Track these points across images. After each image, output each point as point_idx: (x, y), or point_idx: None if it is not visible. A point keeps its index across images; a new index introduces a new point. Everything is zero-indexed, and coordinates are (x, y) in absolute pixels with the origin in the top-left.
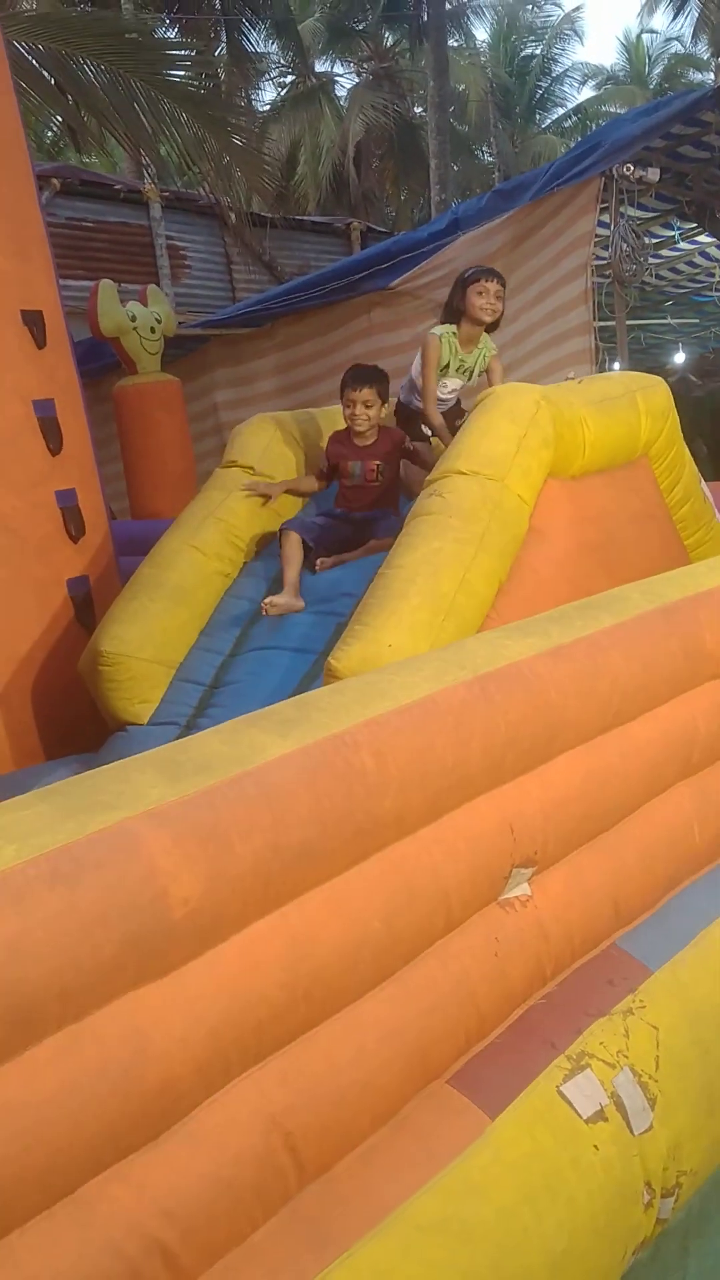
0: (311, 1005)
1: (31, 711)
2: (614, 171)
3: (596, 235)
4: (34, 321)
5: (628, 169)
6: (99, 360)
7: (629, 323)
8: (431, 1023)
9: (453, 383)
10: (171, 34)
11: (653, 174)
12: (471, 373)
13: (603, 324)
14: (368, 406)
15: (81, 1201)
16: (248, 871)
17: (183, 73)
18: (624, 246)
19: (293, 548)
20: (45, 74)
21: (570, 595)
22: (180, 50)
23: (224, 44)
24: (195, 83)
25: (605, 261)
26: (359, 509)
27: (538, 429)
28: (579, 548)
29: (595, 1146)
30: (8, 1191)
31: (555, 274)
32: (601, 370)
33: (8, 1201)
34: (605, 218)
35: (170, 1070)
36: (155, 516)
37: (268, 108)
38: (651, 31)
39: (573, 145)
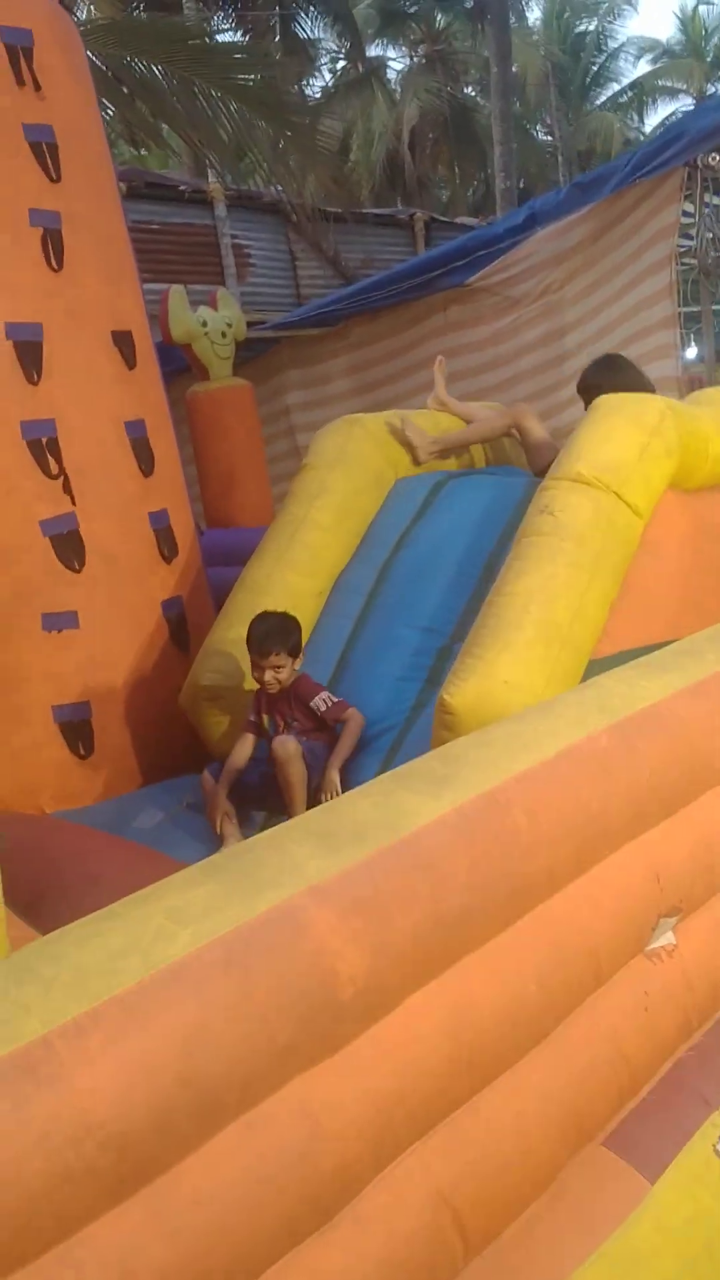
0: (473, 1074)
1: (130, 735)
2: (698, 161)
3: (680, 224)
4: (124, 342)
5: (712, 158)
6: (169, 365)
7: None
8: (586, 1084)
9: None
10: (227, 26)
11: None
12: None
13: (685, 308)
14: (278, 670)
15: None
16: (409, 944)
17: (253, 77)
18: (709, 236)
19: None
20: (107, 71)
21: (682, 613)
22: (247, 54)
23: (278, 36)
24: (270, 89)
25: (687, 249)
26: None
27: (662, 438)
28: (694, 563)
29: None
30: None
31: (638, 267)
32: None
33: None
34: (690, 206)
35: (344, 1151)
36: (229, 521)
37: (319, 94)
38: (708, 3)
39: (630, 121)
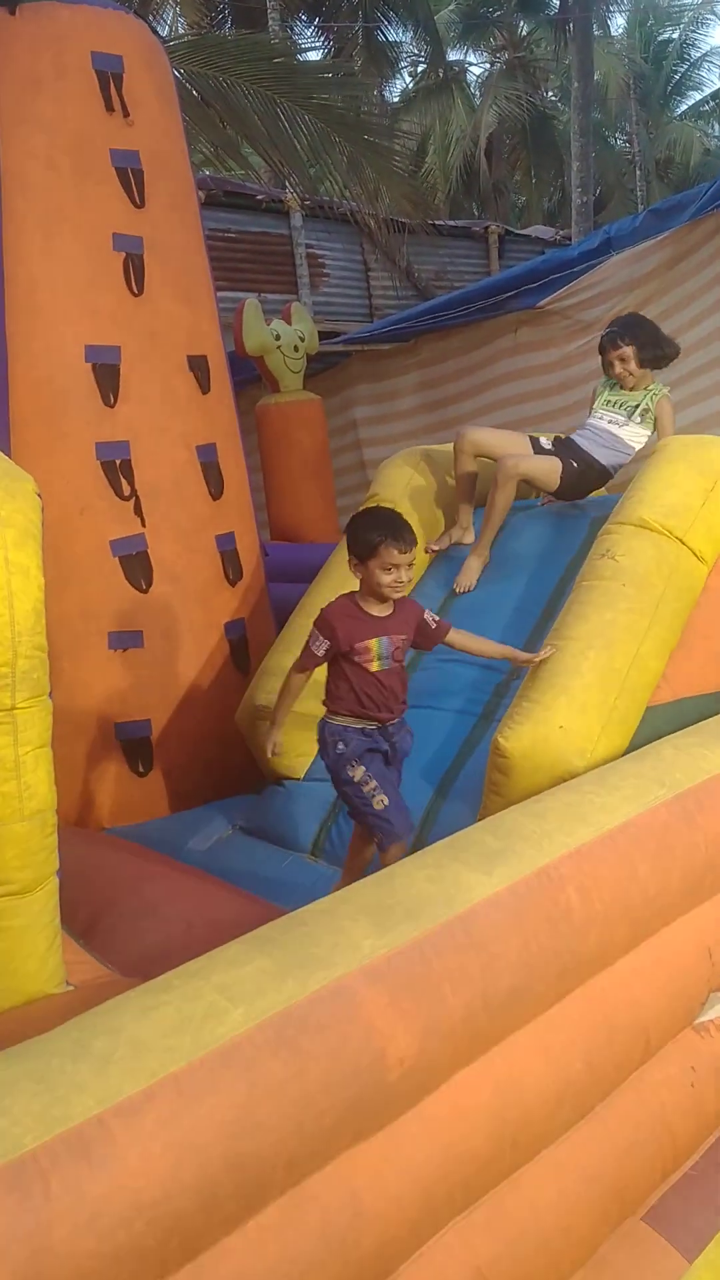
0: (517, 1152)
1: (187, 755)
2: None
3: None
4: (199, 367)
5: None
6: (239, 375)
7: None
8: (630, 1160)
9: (608, 415)
10: (310, 37)
11: None
12: (631, 409)
13: None
14: (410, 567)
15: None
16: (459, 1024)
17: (337, 98)
18: None
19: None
20: (196, 94)
21: None
22: (332, 74)
23: (360, 45)
24: (352, 109)
25: None
26: (392, 714)
27: None
28: None
29: None
30: None
31: (713, 295)
32: None
33: None
34: None
35: (386, 1229)
36: (293, 534)
37: (398, 98)
38: None
39: (710, 131)
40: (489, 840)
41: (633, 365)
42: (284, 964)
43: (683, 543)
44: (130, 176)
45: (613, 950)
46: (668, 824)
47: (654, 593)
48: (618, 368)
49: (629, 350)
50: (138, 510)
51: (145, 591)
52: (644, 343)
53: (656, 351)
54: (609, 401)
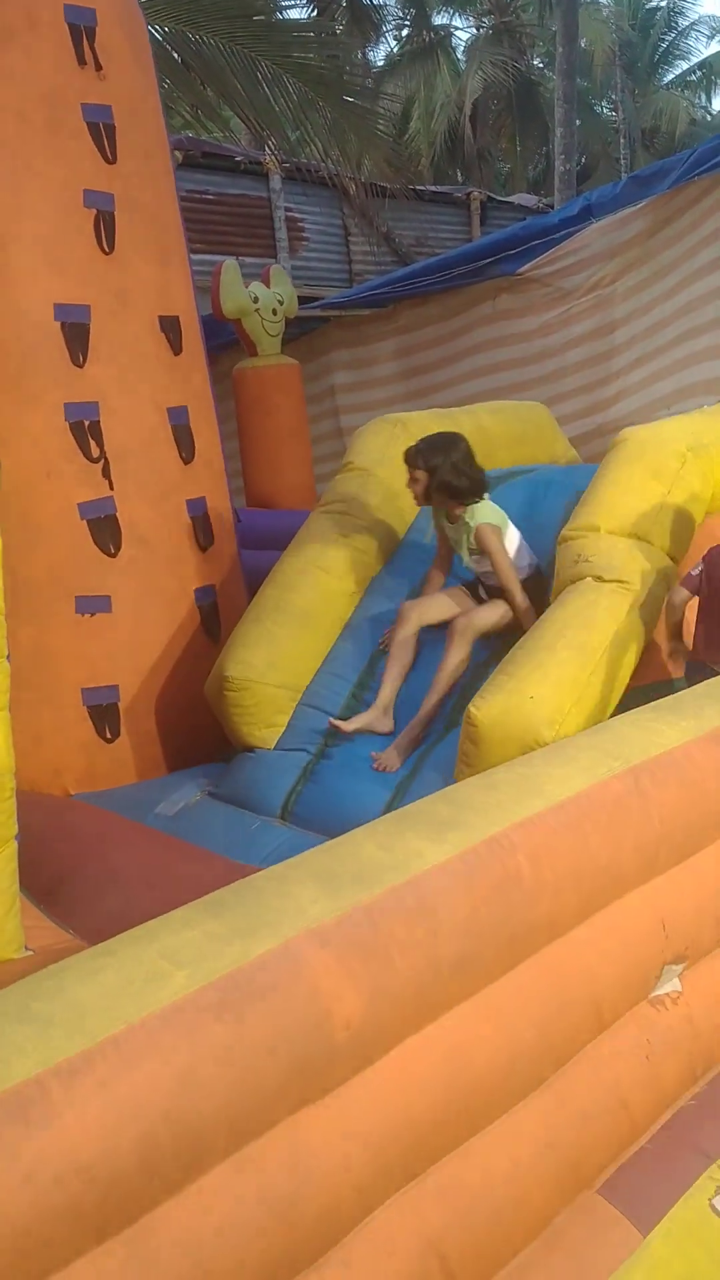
0: (468, 1120)
1: (156, 722)
2: None
3: None
4: (171, 328)
5: None
6: (217, 339)
7: None
8: (584, 1132)
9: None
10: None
11: None
12: (463, 546)
13: None
14: None
15: None
16: (406, 987)
17: (315, 56)
18: None
19: None
20: (176, 56)
21: None
22: (311, 32)
23: (343, 6)
24: (331, 69)
25: None
26: None
27: (683, 484)
28: None
29: None
30: None
31: (692, 265)
32: None
33: None
34: None
35: (331, 1195)
36: (269, 501)
37: (383, 61)
38: None
39: (697, 101)
40: (441, 810)
41: (420, 490)
42: (231, 927)
43: (648, 541)
44: (102, 132)
45: (564, 919)
46: (620, 796)
47: (635, 580)
48: (411, 486)
49: (421, 475)
50: (106, 473)
51: (114, 555)
52: (441, 469)
53: (455, 483)
54: (456, 541)
